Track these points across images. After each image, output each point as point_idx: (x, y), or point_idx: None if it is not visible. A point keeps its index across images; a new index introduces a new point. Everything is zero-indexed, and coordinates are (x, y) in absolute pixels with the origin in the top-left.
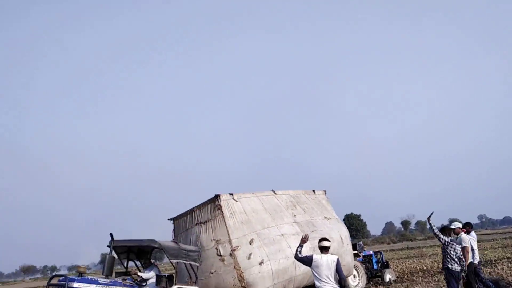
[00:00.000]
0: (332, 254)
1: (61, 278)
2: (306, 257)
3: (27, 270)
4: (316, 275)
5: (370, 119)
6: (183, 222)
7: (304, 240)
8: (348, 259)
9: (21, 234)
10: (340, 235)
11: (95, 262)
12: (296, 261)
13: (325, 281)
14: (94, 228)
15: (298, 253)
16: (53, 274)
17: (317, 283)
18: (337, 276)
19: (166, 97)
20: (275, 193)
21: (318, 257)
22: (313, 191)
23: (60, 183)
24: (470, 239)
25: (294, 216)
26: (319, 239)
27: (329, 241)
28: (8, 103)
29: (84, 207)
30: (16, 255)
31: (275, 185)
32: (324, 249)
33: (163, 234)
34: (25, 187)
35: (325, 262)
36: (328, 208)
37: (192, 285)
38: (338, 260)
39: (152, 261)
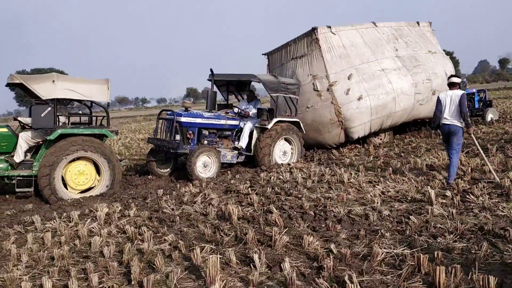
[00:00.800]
0: (456, 89)
1: (169, 112)
2: (437, 102)
3: (122, 101)
4: (440, 111)
5: None
6: (278, 57)
7: None
8: None
9: (115, 67)
10: (444, 70)
11: (181, 96)
12: (396, 97)
13: (446, 116)
14: (181, 63)
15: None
16: (162, 109)
17: (439, 120)
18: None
19: None
20: (376, 25)
21: (443, 94)
22: (417, 22)
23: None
24: None
25: (396, 50)
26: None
27: (459, 77)
28: None
29: (173, 42)
30: (111, 86)
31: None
32: (452, 85)
33: (256, 69)
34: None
35: (450, 98)
36: (433, 42)
37: (292, 118)
38: (463, 94)
39: (256, 94)
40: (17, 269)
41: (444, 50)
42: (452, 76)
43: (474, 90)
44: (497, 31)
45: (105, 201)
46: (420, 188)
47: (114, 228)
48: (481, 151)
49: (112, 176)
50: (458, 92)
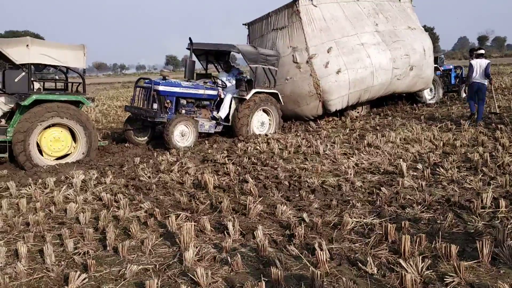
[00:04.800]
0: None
1: (147, 80)
2: (469, 66)
3: (100, 67)
4: (472, 73)
5: None
6: (258, 28)
7: None
8: (428, 72)
9: (92, 32)
10: (423, 47)
11: (161, 63)
12: (374, 71)
13: (476, 77)
14: (159, 30)
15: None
16: (139, 77)
17: (471, 80)
18: (485, 74)
19: None
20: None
21: (473, 61)
22: None
23: None
24: None
25: (376, 25)
26: (476, 48)
27: (483, 49)
28: None
29: (153, 8)
30: (88, 52)
31: None
32: (480, 56)
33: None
34: None
35: (479, 64)
36: (412, 18)
37: (270, 89)
38: (488, 63)
39: (233, 64)
40: None
41: (424, 26)
42: (479, 48)
43: (451, 67)
44: (478, 8)
45: (81, 168)
46: (393, 160)
47: (90, 195)
48: (494, 95)
49: (88, 143)
50: (485, 61)
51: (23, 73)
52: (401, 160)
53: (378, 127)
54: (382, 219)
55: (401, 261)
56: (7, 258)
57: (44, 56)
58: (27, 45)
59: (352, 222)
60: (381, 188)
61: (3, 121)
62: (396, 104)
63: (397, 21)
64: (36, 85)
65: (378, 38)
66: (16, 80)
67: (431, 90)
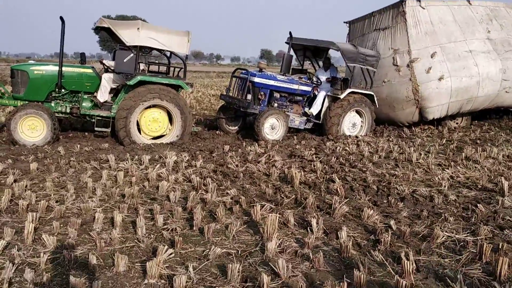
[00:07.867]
0: None
1: (243, 71)
2: None
3: (197, 55)
4: None
5: None
6: (360, 27)
7: None
8: None
9: (192, 18)
10: None
11: (255, 56)
12: (480, 81)
13: None
14: (257, 24)
15: None
16: (237, 67)
17: None
18: None
19: None
20: (470, 3)
21: None
22: None
23: None
24: None
25: (488, 32)
26: None
27: None
28: None
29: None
30: (191, 39)
31: None
32: None
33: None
34: None
35: None
36: None
37: (366, 90)
38: None
39: (332, 62)
40: (92, 200)
41: None
42: None
43: None
44: None
45: (174, 149)
46: (492, 177)
47: (180, 175)
48: None
49: (183, 127)
50: None
51: (132, 54)
52: (502, 178)
53: (478, 141)
54: (477, 238)
55: (495, 284)
56: (103, 225)
57: (152, 39)
58: (138, 28)
59: (443, 236)
60: (478, 205)
61: (110, 97)
62: (501, 118)
63: None
64: (142, 67)
65: (489, 46)
66: (125, 61)
67: None
